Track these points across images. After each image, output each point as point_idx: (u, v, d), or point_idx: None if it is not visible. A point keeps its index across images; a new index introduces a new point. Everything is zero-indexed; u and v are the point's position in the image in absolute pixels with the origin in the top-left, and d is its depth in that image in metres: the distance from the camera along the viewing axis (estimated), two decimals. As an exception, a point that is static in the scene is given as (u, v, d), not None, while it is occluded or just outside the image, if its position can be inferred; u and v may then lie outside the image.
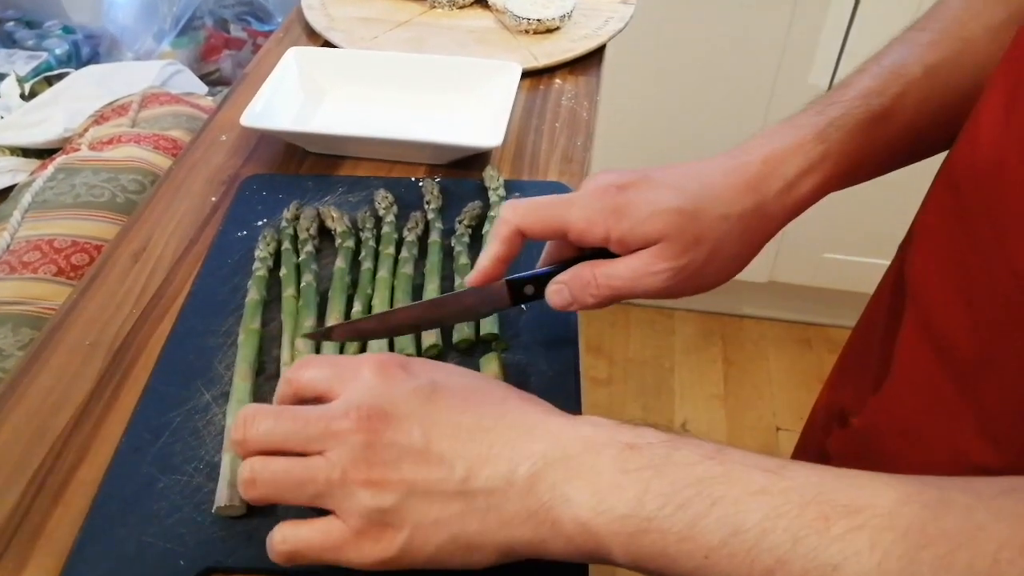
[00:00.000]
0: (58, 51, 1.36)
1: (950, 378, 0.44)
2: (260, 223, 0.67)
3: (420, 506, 0.39)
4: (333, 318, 0.58)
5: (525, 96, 0.84)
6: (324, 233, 0.66)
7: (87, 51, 1.43)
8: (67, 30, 1.42)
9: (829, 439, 0.58)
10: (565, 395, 0.54)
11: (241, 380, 0.54)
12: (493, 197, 0.68)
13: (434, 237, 0.64)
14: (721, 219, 0.48)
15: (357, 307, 0.58)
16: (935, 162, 0.54)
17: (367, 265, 0.61)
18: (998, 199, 0.40)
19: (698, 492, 0.35)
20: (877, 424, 0.51)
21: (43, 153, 1.00)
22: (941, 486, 0.33)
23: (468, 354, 0.56)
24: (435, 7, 0.96)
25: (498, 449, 0.39)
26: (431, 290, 0.60)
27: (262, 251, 0.62)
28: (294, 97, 0.80)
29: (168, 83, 1.22)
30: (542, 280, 0.52)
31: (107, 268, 0.64)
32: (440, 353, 0.56)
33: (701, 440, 0.38)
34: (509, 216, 0.50)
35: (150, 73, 1.19)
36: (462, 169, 0.73)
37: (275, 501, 0.41)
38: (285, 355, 0.55)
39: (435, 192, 0.68)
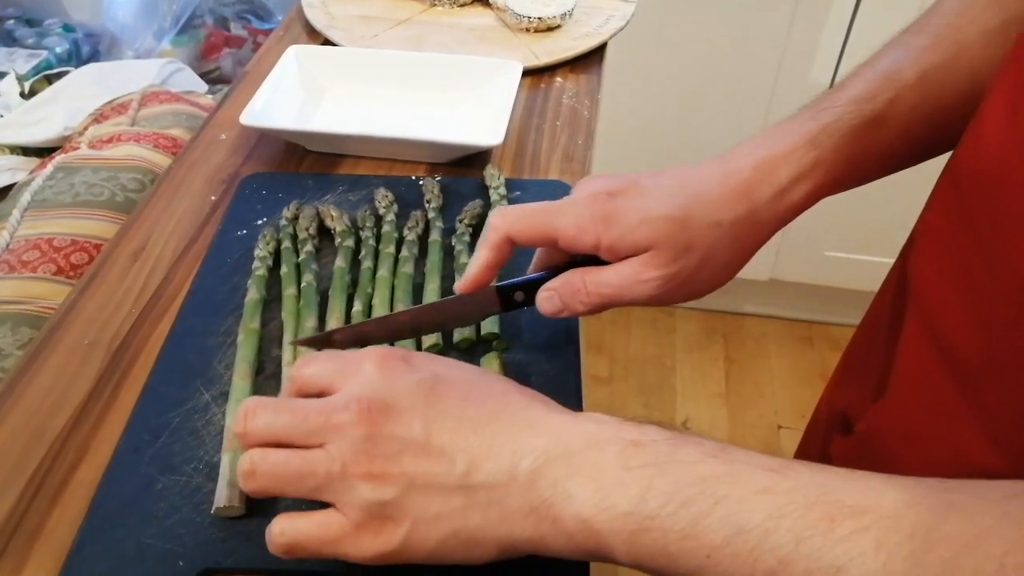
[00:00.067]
0: (58, 49, 1.36)
1: (953, 381, 0.44)
2: (260, 222, 0.66)
3: (420, 500, 0.38)
4: (334, 318, 0.57)
5: (526, 94, 0.83)
6: (324, 232, 0.66)
7: (87, 49, 1.42)
8: (67, 28, 1.42)
9: (831, 442, 0.58)
10: (566, 394, 0.54)
11: (240, 380, 0.53)
12: (494, 196, 0.67)
13: (434, 236, 0.64)
14: (712, 226, 0.48)
15: (358, 306, 0.58)
16: (938, 161, 0.54)
17: (367, 264, 0.61)
18: (1002, 202, 0.40)
19: (701, 491, 0.35)
20: (880, 427, 0.51)
21: (43, 152, 1.00)
22: (948, 488, 0.33)
23: (469, 354, 0.56)
24: (436, 5, 0.95)
25: (500, 443, 0.39)
26: (431, 289, 0.59)
27: (262, 250, 0.62)
28: (294, 95, 0.80)
29: (168, 81, 1.21)
30: (532, 286, 0.52)
31: (106, 267, 0.64)
32: (440, 352, 0.56)
33: (705, 438, 0.37)
34: (498, 223, 0.50)
35: (150, 71, 1.19)
36: (463, 168, 0.73)
37: (274, 494, 0.41)
38: (287, 355, 0.55)
39: (435, 191, 0.68)
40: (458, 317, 0.54)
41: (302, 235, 0.64)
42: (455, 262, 0.62)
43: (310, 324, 0.56)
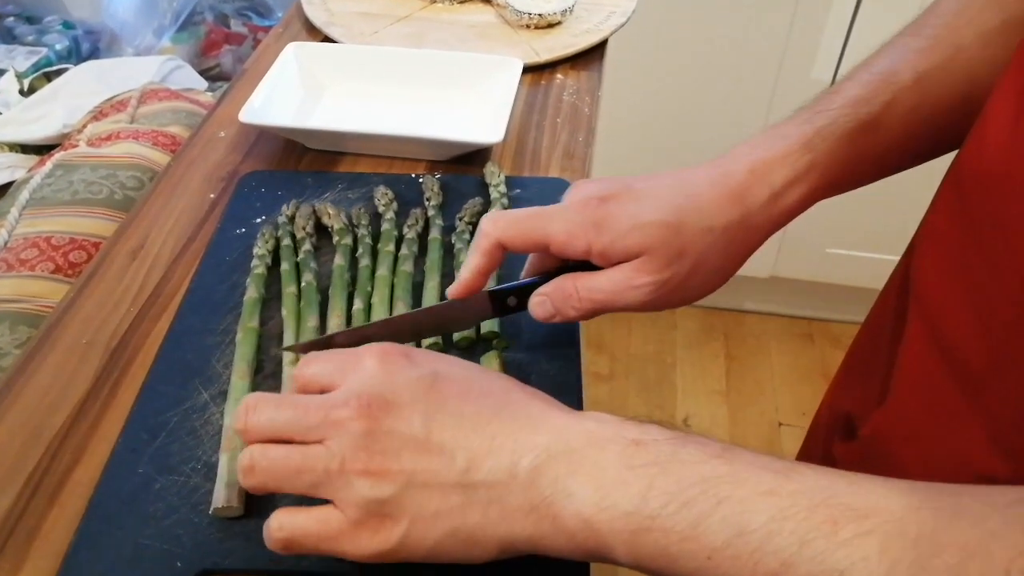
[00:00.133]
0: (58, 46, 1.36)
1: (957, 385, 0.44)
2: (259, 220, 0.66)
3: (420, 497, 0.38)
4: (335, 316, 0.57)
5: (526, 91, 0.83)
6: (323, 230, 0.65)
7: (87, 46, 1.42)
8: (67, 25, 1.41)
9: (835, 445, 0.58)
10: (567, 393, 0.53)
11: (239, 379, 0.53)
12: (494, 194, 0.67)
13: (434, 234, 0.63)
14: (704, 232, 0.48)
15: (358, 305, 0.58)
16: (940, 160, 0.54)
17: (365, 262, 0.61)
18: (1005, 204, 0.40)
19: (703, 491, 0.34)
20: (883, 430, 0.51)
21: (42, 149, 1.00)
22: (954, 493, 0.32)
23: (468, 352, 0.56)
24: (436, 2, 0.95)
25: (500, 441, 0.38)
26: (431, 287, 0.59)
27: (260, 248, 0.62)
28: (293, 93, 0.79)
29: (168, 79, 1.21)
30: (525, 291, 0.52)
31: (104, 266, 0.64)
32: (440, 351, 0.56)
33: (708, 438, 0.37)
34: (489, 229, 0.49)
35: (149, 69, 1.18)
36: (463, 165, 0.73)
37: (273, 490, 0.41)
38: (287, 355, 0.55)
39: (435, 189, 0.68)
40: (450, 322, 0.54)
41: (300, 234, 0.63)
42: (455, 260, 0.62)
43: (312, 323, 0.56)
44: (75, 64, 1.27)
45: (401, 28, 0.91)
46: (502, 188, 0.67)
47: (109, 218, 0.76)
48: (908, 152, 0.52)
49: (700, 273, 0.49)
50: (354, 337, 0.53)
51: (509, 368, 0.54)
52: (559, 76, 0.86)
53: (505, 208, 0.66)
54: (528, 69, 0.83)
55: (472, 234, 0.64)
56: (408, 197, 0.68)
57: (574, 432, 0.38)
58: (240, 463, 0.41)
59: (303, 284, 0.59)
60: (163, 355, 0.56)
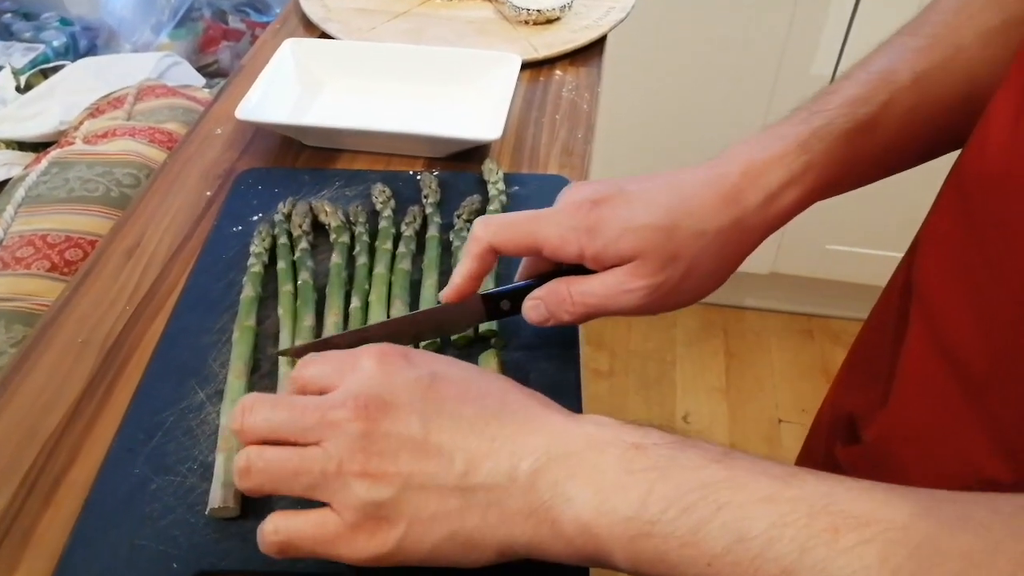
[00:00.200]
0: (55, 43, 1.35)
1: (959, 387, 0.43)
2: (256, 218, 0.66)
3: (417, 500, 0.38)
4: (332, 315, 0.57)
5: (525, 88, 0.82)
6: (320, 228, 0.65)
7: (85, 43, 1.41)
8: (65, 22, 1.41)
9: (838, 447, 0.57)
10: (566, 392, 0.53)
11: (236, 378, 0.53)
12: (492, 191, 0.67)
13: (432, 232, 0.63)
14: (698, 235, 0.47)
15: (355, 303, 0.57)
16: (941, 158, 0.53)
17: (363, 260, 0.60)
18: (1007, 205, 0.39)
19: (703, 496, 0.34)
20: (886, 432, 0.50)
21: (38, 146, 0.99)
22: (958, 500, 0.32)
23: (466, 351, 0.56)
24: (434, -3, 0.95)
25: (499, 444, 0.38)
26: (429, 285, 0.59)
27: (257, 247, 0.61)
28: (290, 89, 0.79)
29: (165, 75, 1.20)
30: (519, 294, 0.52)
31: (100, 264, 0.63)
32: (438, 350, 0.56)
33: (708, 443, 0.37)
34: (481, 233, 0.49)
35: (147, 65, 1.18)
36: (461, 162, 0.72)
37: (269, 491, 0.40)
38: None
39: (433, 186, 0.67)
40: (443, 325, 0.54)
41: (296, 232, 0.63)
42: (452, 258, 0.61)
43: (308, 322, 0.56)
44: (72, 61, 1.26)
45: (399, 24, 0.91)
46: (500, 185, 0.67)
47: (105, 216, 0.76)
48: (906, 153, 0.52)
49: (694, 276, 0.48)
50: (350, 340, 0.53)
51: (507, 367, 0.54)
52: (558, 72, 0.85)
53: (504, 205, 0.65)
54: (527, 65, 0.83)
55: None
56: (406, 194, 0.67)
57: (573, 435, 0.38)
58: (236, 465, 0.40)
59: (300, 282, 0.59)
60: (159, 354, 0.56)
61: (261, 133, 0.76)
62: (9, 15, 1.43)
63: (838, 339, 1.90)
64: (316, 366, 0.43)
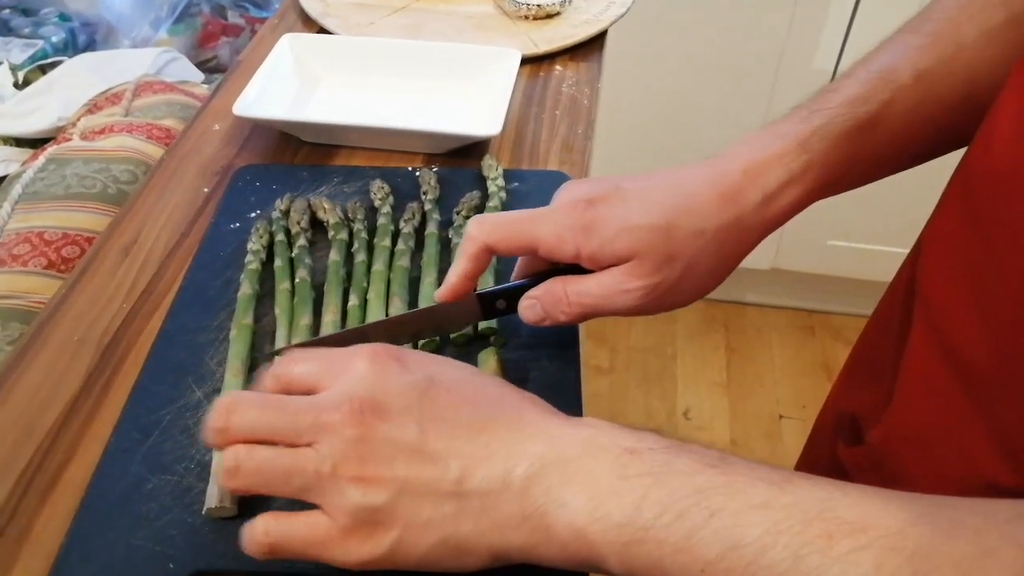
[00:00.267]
0: (54, 39, 1.34)
1: (963, 389, 0.43)
2: (253, 215, 0.65)
3: (412, 505, 0.37)
4: (330, 313, 0.56)
5: (525, 83, 0.82)
6: (318, 225, 0.64)
7: (83, 39, 1.41)
8: (63, 17, 1.40)
9: (841, 447, 0.57)
10: (566, 390, 0.53)
11: (233, 377, 0.52)
12: (492, 187, 0.66)
13: (431, 229, 0.63)
14: (696, 234, 0.47)
15: (353, 301, 0.57)
16: (944, 157, 0.53)
17: (361, 258, 0.60)
18: (1013, 206, 0.39)
19: (697, 502, 0.34)
20: (890, 434, 0.50)
21: (36, 143, 0.99)
22: (953, 507, 0.32)
23: (465, 350, 0.55)
24: (433, -8, 0.94)
25: (494, 449, 0.38)
26: (428, 283, 0.58)
27: (255, 244, 0.61)
28: (288, 85, 0.78)
29: (163, 71, 1.20)
30: (515, 294, 0.51)
31: (97, 262, 0.63)
32: (437, 348, 0.55)
33: (704, 448, 0.37)
34: (476, 233, 0.49)
35: (145, 61, 1.17)
36: (460, 158, 0.72)
37: (258, 492, 0.39)
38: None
39: (432, 182, 0.67)
40: (439, 325, 0.54)
41: (294, 228, 0.62)
42: (451, 255, 0.61)
43: (305, 321, 0.55)
44: (71, 57, 1.26)
45: (397, 19, 0.90)
46: (500, 182, 0.66)
47: (102, 213, 0.75)
48: (907, 152, 0.51)
49: (692, 276, 0.48)
50: (347, 339, 0.53)
51: (507, 365, 0.53)
52: (558, 67, 0.85)
53: (503, 202, 0.65)
54: (526, 60, 0.82)
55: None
56: (405, 191, 0.67)
57: (568, 440, 0.38)
58: (224, 463, 0.39)
59: (297, 280, 0.58)
60: (156, 352, 0.56)
61: (259, 129, 0.76)
62: (8, 11, 1.43)
63: (839, 335, 1.89)
64: (303, 364, 0.42)
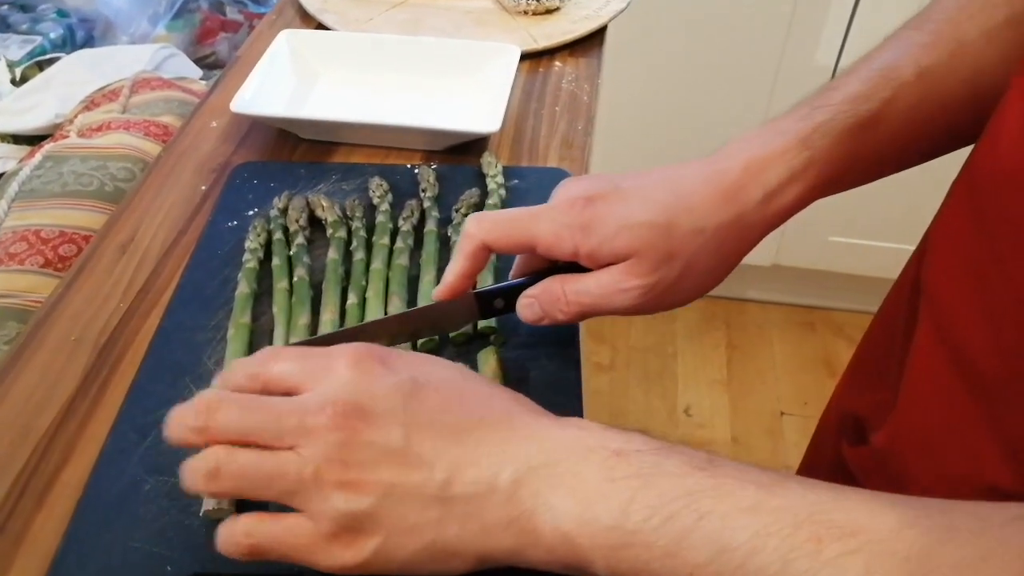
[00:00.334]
0: (52, 35, 1.34)
1: (968, 392, 0.42)
2: (251, 212, 0.65)
3: (396, 510, 0.37)
4: (328, 312, 0.56)
5: (524, 79, 0.81)
6: (316, 223, 0.64)
7: (82, 35, 1.40)
8: (61, 14, 1.40)
9: (846, 448, 0.56)
10: (566, 389, 0.52)
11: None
12: (491, 184, 0.66)
13: (430, 226, 0.62)
14: (695, 233, 0.46)
15: (352, 300, 0.57)
16: (948, 157, 0.52)
17: (360, 256, 0.60)
18: (1019, 205, 0.38)
19: (686, 505, 0.33)
20: (895, 436, 0.49)
21: (34, 140, 0.98)
22: (946, 510, 0.32)
23: (465, 349, 0.55)
24: (432, -12, 0.93)
25: (481, 452, 0.37)
26: (427, 281, 0.58)
27: (252, 242, 0.61)
28: (286, 82, 0.78)
29: (161, 67, 1.19)
30: (512, 292, 0.51)
31: (93, 260, 0.63)
32: (436, 347, 0.55)
33: (693, 450, 0.36)
34: (474, 231, 0.48)
35: (143, 57, 1.16)
36: (459, 155, 0.71)
37: (239, 496, 0.39)
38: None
39: (431, 179, 0.66)
40: (436, 324, 0.53)
41: (293, 227, 0.62)
42: (451, 253, 0.60)
43: (303, 320, 0.55)
44: (69, 53, 1.25)
45: (396, 15, 0.90)
46: (499, 179, 0.66)
47: (100, 211, 0.75)
48: (910, 150, 0.51)
49: (692, 275, 0.47)
50: (344, 339, 0.52)
51: (507, 364, 0.53)
52: (557, 63, 0.84)
53: (503, 199, 0.65)
54: (526, 56, 0.82)
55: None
56: (403, 188, 0.66)
57: (556, 442, 0.37)
58: (203, 466, 0.38)
59: (295, 279, 0.58)
60: (153, 352, 0.55)
61: (257, 126, 0.75)
62: (6, 7, 1.42)
63: (840, 331, 1.89)
64: (283, 363, 0.41)
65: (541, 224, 0.47)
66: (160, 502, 0.47)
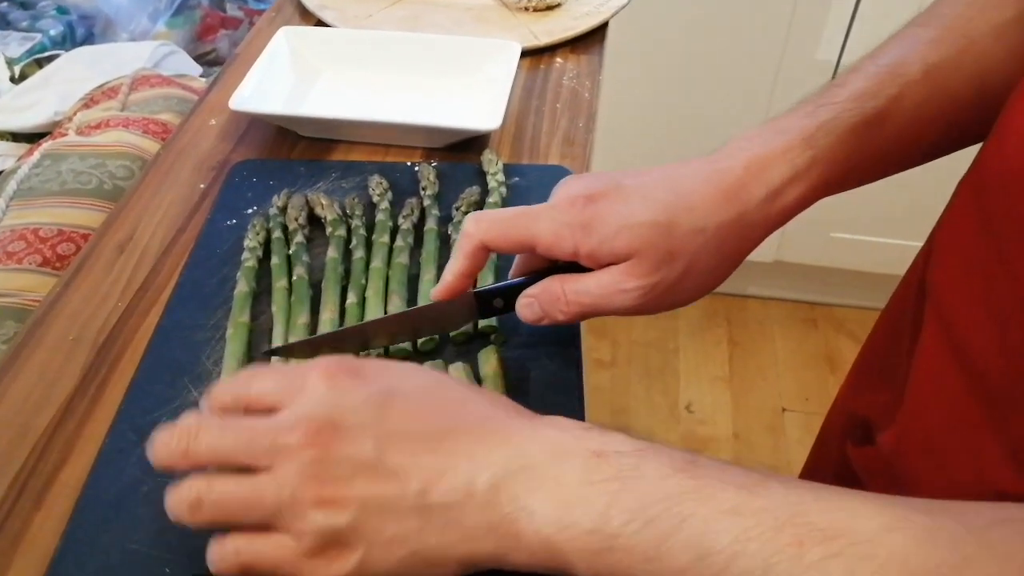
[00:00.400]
0: (52, 32, 1.34)
1: (974, 395, 0.42)
2: (250, 211, 0.64)
3: (375, 523, 0.37)
4: (327, 311, 0.55)
5: (525, 76, 0.81)
6: (315, 221, 0.64)
7: (82, 32, 1.40)
8: (61, 11, 1.39)
9: (851, 448, 0.56)
10: (567, 388, 0.52)
11: (230, 377, 0.52)
12: (492, 182, 0.65)
13: (430, 224, 0.62)
14: (696, 232, 0.46)
15: (352, 299, 0.56)
16: (951, 156, 0.52)
17: (359, 254, 0.59)
18: None
19: (667, 508, 0.33)
20: (900, 437, 0.49)
21: (33, 137, 0.98)
22: (930, 511, 0.31)
23: (465, 348, 0.54)
24: (432, -16, 0.93)
25: (456, 459, 0.37)
26: (427, 280, 0.57)
27: (251, 240, 0.60)
28: (285, 79, 0.78)
29: (161, 64, 1.19)
30: (512, 292, 0.51)
31: (91, 259, 0.62)
32: (435, 347, 0.54)
33: (673, 449, 0.36)
34: (472, 230, 0.48)
35: (142, 54, 1.16)
36: (459, 153, 0.71)
37: (223, 525, 0.39)
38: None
39: (431, 177, 0.66)
40: (435, 324, 0.53)
41: (292, 225, 0.62)
42: (451, 252, 0.60)
43: (302, 320, 0.55)
44: (69, 50, 1.25)
45: (396, 11, 0.89)
46: (500, 176, 0.66)
47: (98, 209, 0.74)
48: (916, 148, 0.50)
49: (692, 275, 0.47)
50: (343, 338, 0.52)
51: (508, 364, 0.53)
52: (558, 60, 0.84)
53: (503, 197, 0.64)
54: (527, 53, 0.81)
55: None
56: (403, 186, 0.66)
57: (533, 445, 0.37)
58: (185, 497, 0.39)
59: (294, 278, 0.58)
60: (151, 352, 0.55)
61: (256, 124, 0.75)
62: (5, 4, 1.41)
63: (842, 327, 1.88)
64: (262, 382, 0.41)
65: (541, 223, 0.47)
66: (159, 503, 0.45)
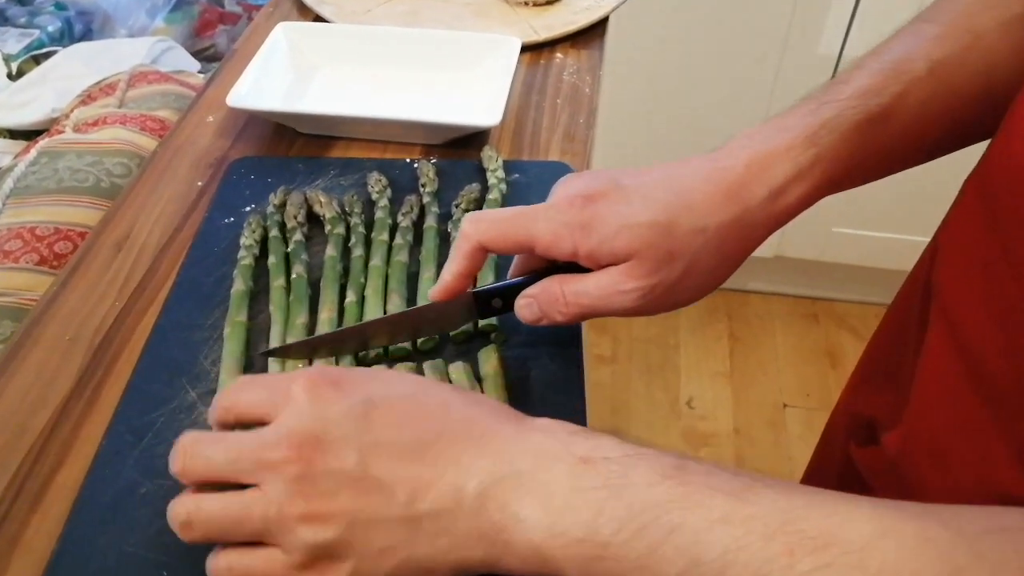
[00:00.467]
0: (50, 28, 1.33)
1: (980, 397, 0.41)
2: (248, 208, 0.64)
3: (364, 536, 0.37)
4: (326, 310, 0.55)
5: (525, 71, 0.80)
6: (314, 219, 0.63)
7: (80, 28, 1.39)
8: (59, 7, 1.39)
9: (854, 449, 0.56)
10: (568, 388, 0.52)
11: (228, 376, 0.51)
12: (492, 179, 0.65)
13: (430, 222, 0.61)
14: (697, 232, 0.45)
15: (351, 297, 0.56)
16: (952, 156, 0.51)
17: (358, 252, 0.59)
18: None
19: (655, 518, 0.33)
20: (907, 439, 0.49)
21: (31, 134, 0.97)
22: (923, 517, 0.31)
23: (466, 347, 0.54)
24: (431, -21, 0.92)
25: (442, 467, 0.37)
26: (426, 278, 0.57)
27: (248, 239, 0.60)
28: (283, 75, 0.77)
29: (159, 60, 1.18)
30: (511, 292, 0.50)
31: (88, 258, 0.62)
32: (435, 346, 0.54)
33: (662, 454, 0.36)
34: (470, 231, 0.47)
35: (140, 50, 1.15)
36: (459, 149, 0.70)
37: (215, 541, 0.39)
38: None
39: (431, 174, 0.65)
40: (434, 324, 0.52)
41: (290, 223, 0.61)
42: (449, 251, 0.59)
43: (300, 320, 0.54)
44: (67, 46, 1.24)
45: (395, 7, 0.89)
46: (500, 173, 0.65)
47: (95, 207, 0.74)
48: (920, 146, 0.49)
49: (693, 275, 0.46)
50: (342, 338, 0.52)
51: (508, 363, 0.52)
52: (559, 55, 0.83)
53: (503, 194, 0.64)
54: (526, 48, 0.81)
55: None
56: (403, 183, 0.66)
57: (520, 450, 0.37)
58: (177, 518, 0.39)
59: (293, 276, 0.57)
60: (149, 351, 0.54)
61: (254, 120, 0.74)
62: (3, 0, 1.41)
63: (843, 323, 1.88)
64: (251, 392, 0.41)
65: (539, 223, 0.46)
66: (156, 506, 0.46)
